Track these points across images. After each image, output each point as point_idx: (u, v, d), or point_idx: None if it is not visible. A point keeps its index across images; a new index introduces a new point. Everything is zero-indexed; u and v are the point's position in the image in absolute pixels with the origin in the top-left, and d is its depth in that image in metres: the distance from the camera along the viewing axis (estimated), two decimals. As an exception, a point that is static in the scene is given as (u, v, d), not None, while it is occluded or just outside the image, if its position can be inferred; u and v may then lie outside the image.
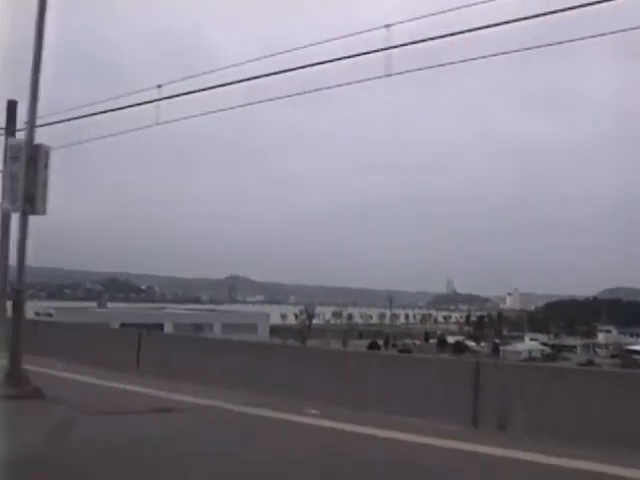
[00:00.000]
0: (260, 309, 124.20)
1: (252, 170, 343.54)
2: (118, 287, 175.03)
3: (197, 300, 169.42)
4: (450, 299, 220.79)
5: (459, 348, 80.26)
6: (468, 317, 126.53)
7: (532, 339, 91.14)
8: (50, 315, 54.38)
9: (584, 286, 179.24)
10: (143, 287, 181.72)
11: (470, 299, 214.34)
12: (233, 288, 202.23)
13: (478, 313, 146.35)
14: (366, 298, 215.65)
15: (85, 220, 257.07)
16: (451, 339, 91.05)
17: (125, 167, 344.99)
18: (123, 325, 48.46)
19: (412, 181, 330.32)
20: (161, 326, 54.50)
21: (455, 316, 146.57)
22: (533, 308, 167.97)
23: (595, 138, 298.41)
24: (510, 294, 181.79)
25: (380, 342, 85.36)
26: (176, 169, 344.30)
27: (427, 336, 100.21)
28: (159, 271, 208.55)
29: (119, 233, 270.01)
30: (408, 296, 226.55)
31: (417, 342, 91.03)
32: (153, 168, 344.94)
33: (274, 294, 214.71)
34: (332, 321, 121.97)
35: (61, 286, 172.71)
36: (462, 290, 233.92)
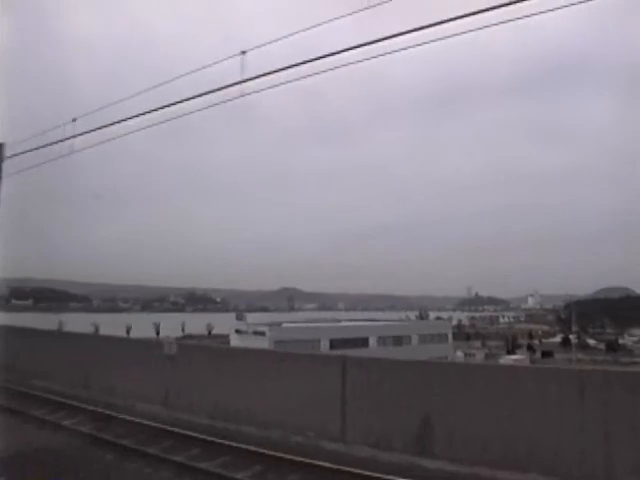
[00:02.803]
0: (345, 315, 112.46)
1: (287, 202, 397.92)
2: (196, 300, 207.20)
3: (265, 309, 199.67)
4: (475, 302, 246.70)
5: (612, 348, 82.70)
6: (558, 315, 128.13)
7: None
8: (262, 334, 46.86)
9: (582, 286, 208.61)
10: (218, 299, 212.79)
11: (491, 301, 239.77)
12: (290, 298, 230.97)
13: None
14: (400, 303, 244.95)
15: (160, 244, 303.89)
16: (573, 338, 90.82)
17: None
18: (332, 342, 46.89)
19: (432, 205, 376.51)
20: (366, 341, 50.85)
21: (509, 315, 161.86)
22: (552, 307, 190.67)
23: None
24: (532, 295, 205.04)
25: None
26: (230, 202, 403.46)
27: (531, 336, 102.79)
28: (223, 285, 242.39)
29: (188, 255, 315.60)
30: (435, 300, 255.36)
31: (536, 342, 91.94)
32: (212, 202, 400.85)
33: (324, 302, 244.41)
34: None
35: (150, 300, 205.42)
36: (482, 294, 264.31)
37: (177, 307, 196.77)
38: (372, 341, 51.28)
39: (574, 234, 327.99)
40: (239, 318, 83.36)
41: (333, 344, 46.67)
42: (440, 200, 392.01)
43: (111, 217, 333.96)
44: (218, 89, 9.24)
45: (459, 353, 64.42)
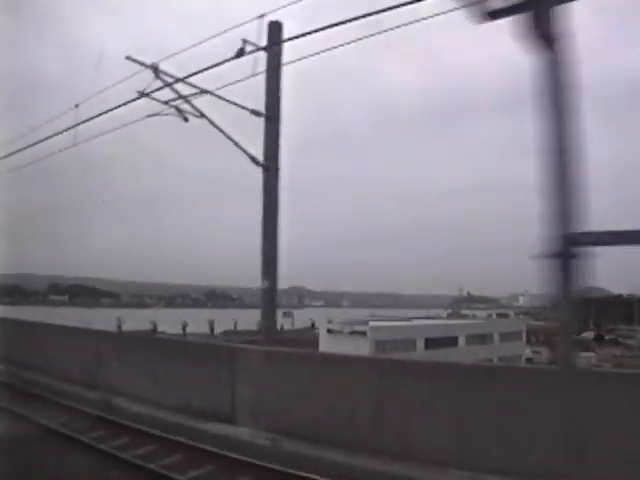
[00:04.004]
0: (351, 312, 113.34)
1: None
2: (216, 297, 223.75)
3: (278, 306, 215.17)
4: (468, 300, 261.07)
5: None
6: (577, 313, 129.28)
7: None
8: (363, 334, 43.20)
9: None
10: (235, 296, 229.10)
11: (483, 300, 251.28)
12: (301, 296, 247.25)
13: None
14: (399, 301, 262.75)
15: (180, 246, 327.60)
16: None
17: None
18: (427, 341, 45.20)
19: (427, 210, 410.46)
20: (455, 340, 49.32)
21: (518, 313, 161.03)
22: (539, 304, 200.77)
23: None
24: (522, 294, 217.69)
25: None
26: (243, 207, 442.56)
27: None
28: (237, 283, 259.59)
29: (205, 256, 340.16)
30: (429, 298, 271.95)
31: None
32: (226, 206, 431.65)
33: (329, 299, 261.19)
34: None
35: (173, 296, 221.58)
36: (474, 293, 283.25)
37: (198, 303, 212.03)
38: (461, 340, 50.08)
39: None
40: (287, 315, 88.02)
41: (427, 344, 46.13)
42: (434, 206, 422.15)
43: (135, 221, 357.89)
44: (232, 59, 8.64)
45: (527, 350, 60.78)
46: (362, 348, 37.09)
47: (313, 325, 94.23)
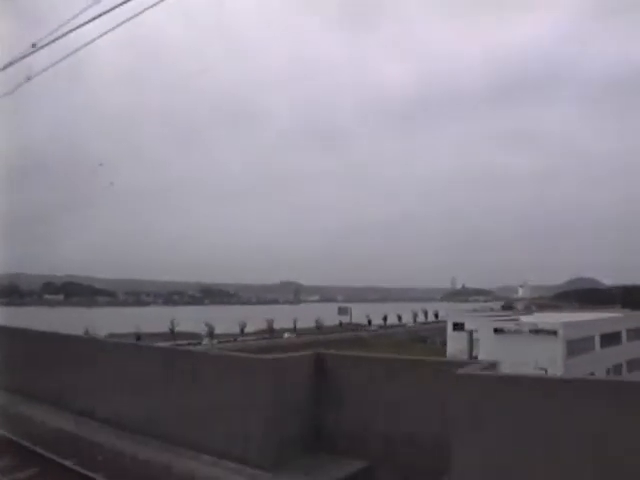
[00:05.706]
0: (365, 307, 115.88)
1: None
2: (213, 293, 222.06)
3: (275, 301, 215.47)
4: (462, 293, 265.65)
5: None
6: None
7: None
8: (552, 333, 36.88)
9: (554, 277, 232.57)
10: (232, 292, 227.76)
11: (478, 292, 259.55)
12: (297, 291, 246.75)
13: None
14: (389, 294, 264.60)
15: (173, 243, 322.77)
16: None
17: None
18: (602, 338, 43.58)
19: (416, 203, 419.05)
20: (619, 336, 47.67)
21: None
22: (537, 296, 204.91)
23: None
24: (521, 286, 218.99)
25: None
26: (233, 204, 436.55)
27: None
28: (231, 280, 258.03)
29: (198, 252, 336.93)
30: (421, 292, 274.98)
31: None
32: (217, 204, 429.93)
33: (323, 294, 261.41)
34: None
35: (169, 294, 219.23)
36: (466, 285, 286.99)
37: (195, 300, 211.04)
38: (623, 335, 48.63)
39: (543, 230, 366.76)
40: (342, 312, 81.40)
41: (602, 341, 44.27)
42: (423, 199, 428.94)
43: (128, 221, 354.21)
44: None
45: None
46: (554, 350, 32.63)
47: (370, 322, 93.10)
